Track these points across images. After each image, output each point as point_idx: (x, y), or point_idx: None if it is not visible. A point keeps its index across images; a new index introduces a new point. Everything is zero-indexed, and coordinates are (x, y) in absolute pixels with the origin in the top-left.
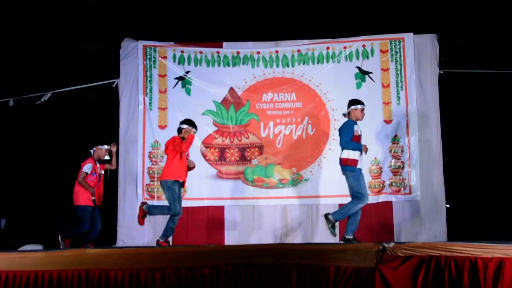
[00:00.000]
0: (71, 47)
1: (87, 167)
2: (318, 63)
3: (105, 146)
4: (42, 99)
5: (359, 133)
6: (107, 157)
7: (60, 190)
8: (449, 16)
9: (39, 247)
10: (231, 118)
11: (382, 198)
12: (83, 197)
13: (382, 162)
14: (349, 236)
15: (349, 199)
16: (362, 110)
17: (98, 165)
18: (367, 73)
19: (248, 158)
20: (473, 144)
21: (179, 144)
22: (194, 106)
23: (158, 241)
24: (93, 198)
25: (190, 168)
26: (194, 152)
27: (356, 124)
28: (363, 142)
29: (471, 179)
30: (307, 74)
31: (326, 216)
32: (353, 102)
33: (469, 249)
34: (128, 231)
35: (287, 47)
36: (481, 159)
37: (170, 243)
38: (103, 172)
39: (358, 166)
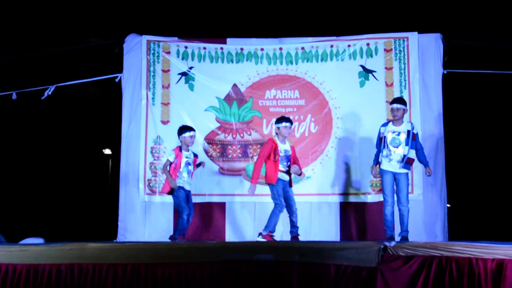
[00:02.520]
0: (75, 41)
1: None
2: (321, 61)
3: (188, 133)
4: (46, 93)
5: (385, 135)
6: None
7: (63, 184)
8: (454, 16)
9: (40, 240)
10: (234, 114)
11: None
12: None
13: None
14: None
15: (351, 197)
16: (393, 109)
17: (182, 153)
18: (371, 71)
19: (250, 155)
20: (476, 144)
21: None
22: (197, 102)
23: (260, 234)
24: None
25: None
26: (196, 148)
27: (386, 125)
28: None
29: (473, 179)
30: (311, 71)
31: None
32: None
33: (470, 250)
34: (129, 226)
35: (291, 44)
36: (483, 159)
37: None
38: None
39: (385, 168)
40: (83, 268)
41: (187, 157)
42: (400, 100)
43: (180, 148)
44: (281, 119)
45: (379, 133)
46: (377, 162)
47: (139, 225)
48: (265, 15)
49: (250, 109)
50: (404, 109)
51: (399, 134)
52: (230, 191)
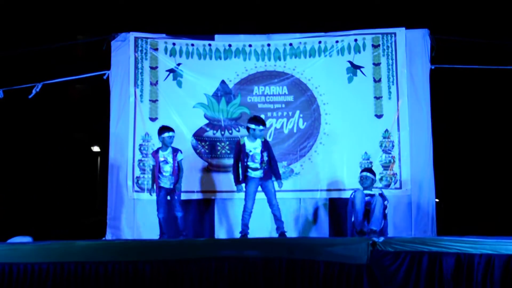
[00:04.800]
0: (63, 38)
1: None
2: (310, 56)
3: (167, 133)
4: (33, 91)
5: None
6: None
7: (51, 182)
8: (441, 12)
9: (28, 239)
10: (222, 111)
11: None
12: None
13: (373, 157)
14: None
15: (340, 193)
16: (362, 177)
17: (158, 154)
18: (359, 67)
19: None
20: (464, 140)
21: None
22: (185, 98)
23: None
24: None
25: None
26: (185, 145)
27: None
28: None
29: (461, 174)
30: (299, 67)
31: None
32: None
33: (458, 245)
34: (118, 223)
35: (279, 41)
36: (471, 154)
37: None
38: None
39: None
40: (71, 266)
41: (164, 157)
42: (369, 170)
43: (156, 150)
44: (257, 122)
45: (355, 199)
46: (359, 228)
47: (128, 223)
48: (253, 11)
49: (239, 106)
50: (373, 179)
51: (373, 201)
52: (219, 188)
